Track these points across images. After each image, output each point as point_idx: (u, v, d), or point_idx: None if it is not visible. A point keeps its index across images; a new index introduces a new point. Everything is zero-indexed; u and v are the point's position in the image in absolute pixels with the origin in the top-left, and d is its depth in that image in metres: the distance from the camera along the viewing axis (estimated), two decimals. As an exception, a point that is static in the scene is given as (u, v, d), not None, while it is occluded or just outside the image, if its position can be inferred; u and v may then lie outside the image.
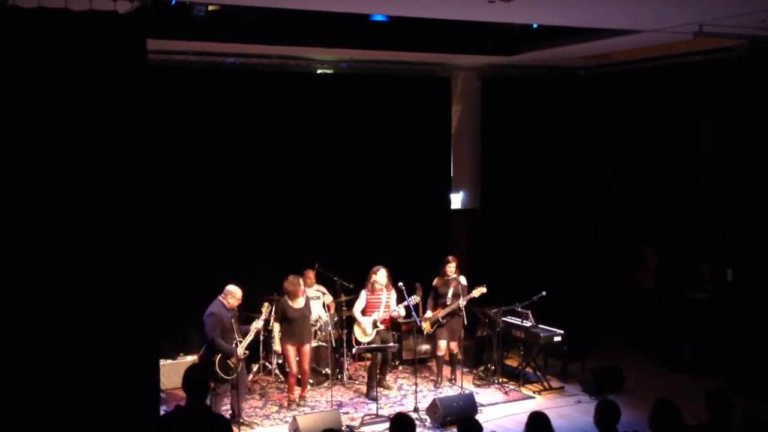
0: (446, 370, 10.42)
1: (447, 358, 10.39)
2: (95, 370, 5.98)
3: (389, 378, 10.27)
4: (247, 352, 8.72)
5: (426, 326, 10.08)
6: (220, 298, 8.60)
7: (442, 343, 10.13)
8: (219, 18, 8.87)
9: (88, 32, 5.93)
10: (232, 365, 8.47)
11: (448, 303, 9.95)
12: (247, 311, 10.35)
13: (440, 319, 9.99)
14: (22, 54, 5.77)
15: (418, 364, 10.19)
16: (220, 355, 8.42)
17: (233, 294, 8.61)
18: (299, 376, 9.52)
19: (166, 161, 9.49)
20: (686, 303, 10.76)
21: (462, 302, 9.87)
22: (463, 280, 10.09)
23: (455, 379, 10.12)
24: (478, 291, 9.90)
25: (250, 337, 8.69)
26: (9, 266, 5.73)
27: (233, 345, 8.49)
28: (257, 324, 8.80)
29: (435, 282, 10.19)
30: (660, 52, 10.76)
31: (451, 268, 10.05)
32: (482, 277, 11.01)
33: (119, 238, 6.13)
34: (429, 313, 10.11)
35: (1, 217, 5.75)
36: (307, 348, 9.45)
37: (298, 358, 9.41)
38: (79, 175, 5.97)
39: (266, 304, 9.00)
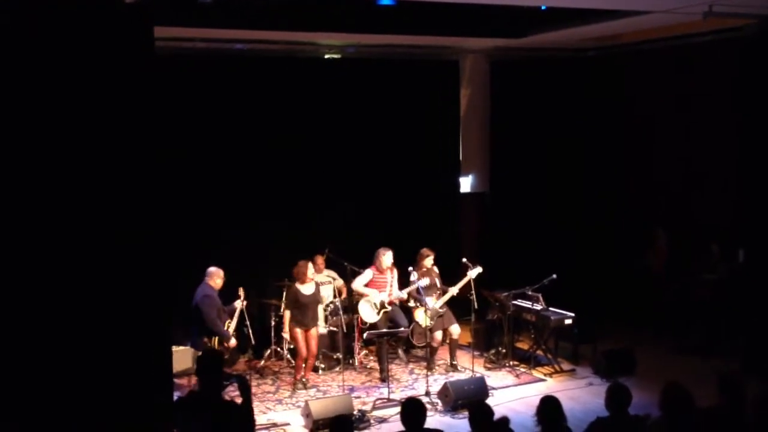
0: (447, 355, 10.40)
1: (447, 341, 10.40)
2: (109, 356, 6.03)
3: (399, 363, 10.30)
4: (236, 332, 8.95)
5: (426, 321, 9.86)
6: (207, 280, 8.74)
7: (438, 335, 10.04)
8: (226, 4, 8.84)
9: (95, 21, 5.93)
10: (225, 348, 8.61)
11: (438, 292, 9.95)
12: (259, 297, 10.44)
13: (439, 310, 9.92)
14: (29, 44, 5.77)
15: (429, 348, 10.19)
16: (217, 338, 8.56)
17: (218, 274, 8.83)
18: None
19: (175, 149, 9.53)
20: (697, 284, 10.74)
21: (454, 290, 9.89)
22: (436, 269, 10.12)
23: (462, 368, 10.09)
24: (475, 271, 9.85)
25: (236, 317, 8.95)
26: (18, 256, 5.77)
27: (225, 328, 8.74)
28: (239, 303, 9.06)
29: (416, 276, 9.82)
30: (670, 33, 10.69)
31: (429, 260, 10.01)
32: (492, 260, 11.06)
33: (129, 225, 6.15)
34: (426, 305, 9.82)
35: (11, 207, 5.78)
36: (313, 332, 9.59)
37: (304, 342, 9.51)
38: (88, 166, 5.99)
39: (242, 288, 9.19)
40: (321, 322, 10.21)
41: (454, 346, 10.23)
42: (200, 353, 8.62)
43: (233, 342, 8.75)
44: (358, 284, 9.96)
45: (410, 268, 9.90)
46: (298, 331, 9.45)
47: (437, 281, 10.03)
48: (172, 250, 6.59)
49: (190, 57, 10.20)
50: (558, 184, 12.72)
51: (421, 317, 9.95)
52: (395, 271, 10.04)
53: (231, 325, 8.80)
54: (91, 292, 5.99)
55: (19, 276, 5.78)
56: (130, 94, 6.12)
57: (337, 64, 11.50)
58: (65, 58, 5.88)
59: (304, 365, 9.60)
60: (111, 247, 6.07)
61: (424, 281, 9.79)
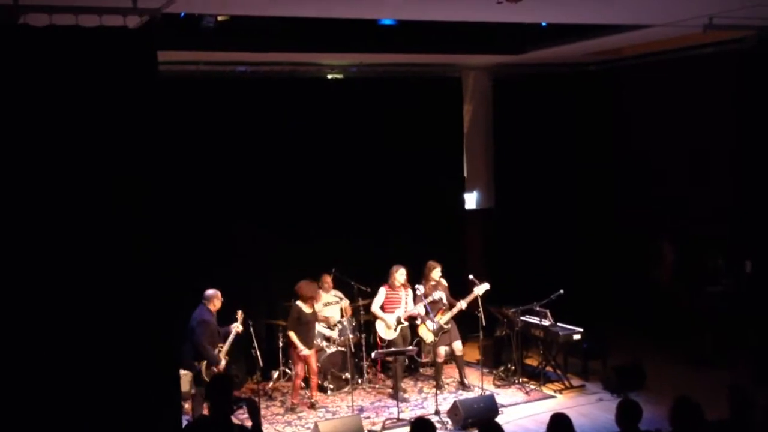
0: (456, 372, 10.37)
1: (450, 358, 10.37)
2: (117, 381, 6.03)
3: (408, 382, 10.31)
4: (228, 357, 8.84)
5: (430, 337, 9.93)
6: (205, 303, 8.73)
7: (442, 350, 10.02)
8: (228, 28, 8.91)
9: (99, 48, 5.98)
10: (215, 371, 8.57)
11: (444, 307, 9.95)
12: (268, 319, 10.43)
13: (444, 326, 9.93)
14: (35, 72, 5.82)
15: (435, 365, 10.17)
16: (206, 362, 8.54)
17: (217, 296, 8.78)
18: (308, 378, 9.64)
19: (181, 171, 9.56)
20: (705, 297, 10.70)
21: (463, 304, 9.84)
22: (444, 282, 10.10)
23: (469, 384, 10.09)
24: (482, 288, 9.82)
25: (230, 340, 8.86)
26: (21, 284, 5.78)
27: (216, 351, 8.67)
28: (236, 326, 8.96)
29: (424, 290, 9.95)
30: (670, 45, 10.71)
31: (437, 272, 9.99)
32: (498, 276, 11.03)
33: (135, 249, 6.17)
34: (430, 323, 9.90)
35: (19, 234, 5.80)
36: (314, 350, 9.62)
37: (303, 363, 9.52)
38: (96, 190, 6.02)
39: (240, 312, 9.09)
40: (324, 341, 10.23)
41: (460, 363, 10.18)
42: (193, 375, 8.69)
43: (222, 365, 8.71)
44: (375, 307, 10.05)
45: (417, 286, 9.92)
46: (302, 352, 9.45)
47: (443, 296, 10.01)
48: (177, 272, 6.61)
49: (193, 80, 10.25)
50: (562, 198, 12.70)
51: (424, 333, 9.95)
52: (410, 289, 10.03)
53: (223, 348, 8.76)
54: (100, 315, 6.00)
55: (32, 305, 5.80)
56: (135, 117, 6.16)
57: (340, 84, 11.55)
58: (71, 86, 5.93)
59: (305, 386, 9.61)
60: (115, 269, 6.08)
61: (439, 294, 9.83)
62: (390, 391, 9.97)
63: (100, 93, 6.02)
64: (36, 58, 5.79)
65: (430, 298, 9.83)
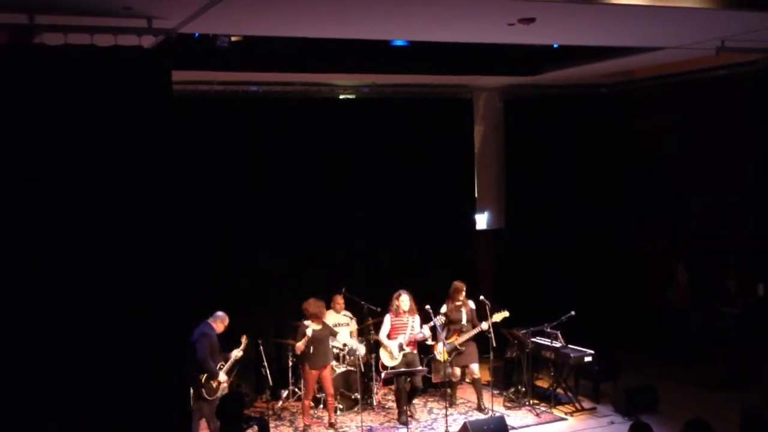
0: (474, 396, 10.29)
1: (468, 379, 10.32)
2: (128, 401, 6.04)
3: (419, 402, 10.24)
4: (227, 377, 8.77)
5: (444, 356, 9.82)
6: (210, 321, 8.71)
7: (457, 370, 10.06)
8: (242, 48, 8.99)
9: (114, 67, 6.05)
10: (214, 386, 8.53)
11: (464, 330, 9.90)
12: (277, 338, 10.41)
13: (458, 347, 9.89)
14: (51, 90, 5.89)
15: (447, 388, 10.12)
16: (206, 375, 8.53)
17: (222, 319, 8.75)
18: (322, 399, 9.57)
19: (193, 190, 9.61)
20: (718, 318, 10.64)
21: (485, 326, 9.78)
22: (471, 303, 10.05)
23: (485, 407, 9.98)
24: (500, 315, 9.83)
25: (230, 363, 8.78)
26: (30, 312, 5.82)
27: (218, 367, 8.61)
28: (237, 353, 8.87)
29: (445, 309, 10.02)
30: (683, 68, 10.73)
31: (462, 294, 9.97)
32: (509, 297, 10.99)
33: (147, 266, 6.21)
34: (440, 345, 9.83)
35: (33, 252, 5.84)
36: (327, 370, 9.48)
37: (318, 384, 9.47)
38: (108, 208, 6.06)
39: (244, 336, 9.01)
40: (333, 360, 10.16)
41: (477, 386, 10.09)
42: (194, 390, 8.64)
43: (222, 377, 8.65)
44: (382, 336, 9.90)
45: (427, 306, 9.85)
46: (309, 371, 9.36)
47: (463, 317, 9.96)
48: (188, 291, 6.63)
49: (207, 99, 10.33)
50: (575, 219, 12.68)
51: (440, 356, 9.89)
52: (416, 316, 9.88)
53: (224, 368, 8.72)
54: (117, 335, 6.03)
55: (45, 333, 5.84)
56: (149, 136, 6.22)
57: (353, 104, 11.59)
58: (87, 104, 5.99)
59: (314, 406, 9.51)
60: (125, 286, 6.11)
61: (439, 319, 9.77)
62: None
63: (115, 112, 6.09)
64: (52, 77, 5.86)
65: (431, 323, 9.75)
